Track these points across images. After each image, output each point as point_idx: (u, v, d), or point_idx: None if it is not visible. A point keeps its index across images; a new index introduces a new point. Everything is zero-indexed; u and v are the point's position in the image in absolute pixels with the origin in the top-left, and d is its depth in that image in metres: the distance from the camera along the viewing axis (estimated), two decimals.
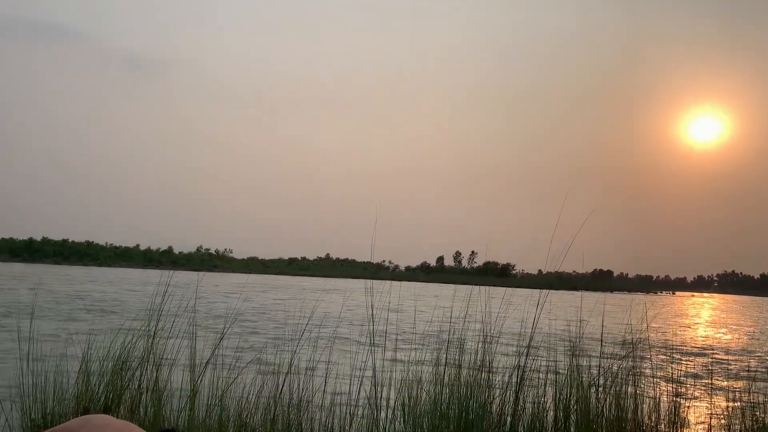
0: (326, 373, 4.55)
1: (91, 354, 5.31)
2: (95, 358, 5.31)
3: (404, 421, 4.22)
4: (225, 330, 5.09)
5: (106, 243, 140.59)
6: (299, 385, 4.38)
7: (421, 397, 4.26)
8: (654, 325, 5.82)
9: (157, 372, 5.14)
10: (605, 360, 5.15)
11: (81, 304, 23.17)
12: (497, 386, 4.64)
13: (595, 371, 4.94)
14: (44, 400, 5.08)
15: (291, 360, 4.41)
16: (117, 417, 3.12)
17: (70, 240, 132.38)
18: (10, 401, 5.04)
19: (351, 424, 3.94)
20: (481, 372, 4.56)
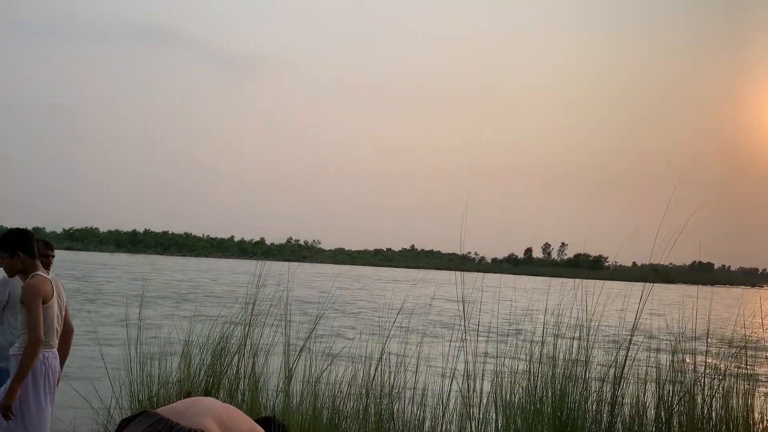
0: (417, 364, 4.55)
1: (192, 341, 5.57)
2: (196, 344, 5.57)
3: (497, 414, 4.16)
4: (317, 319, 5.20)
5: (203, 234, 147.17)
6: (390, 374, 4.41)
7: (515, 390, 4.18)
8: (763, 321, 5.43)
9: (253, 359, 5.32)
10: (711, 358, 4.86)
11: (182, 293, 24.42)
12: (594, 381, 4.48)
13: (700, 369, 4.68)
14: (150, 384, 5.38)
15: (382, 350, 4.45)
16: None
17: (170, 232, 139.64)
18: (119, 384, 5.37)
19: (443, 416, 3.92)
20: (577, 366, 4.42)
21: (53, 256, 5.35)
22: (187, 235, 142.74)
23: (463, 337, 4.09)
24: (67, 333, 4.53)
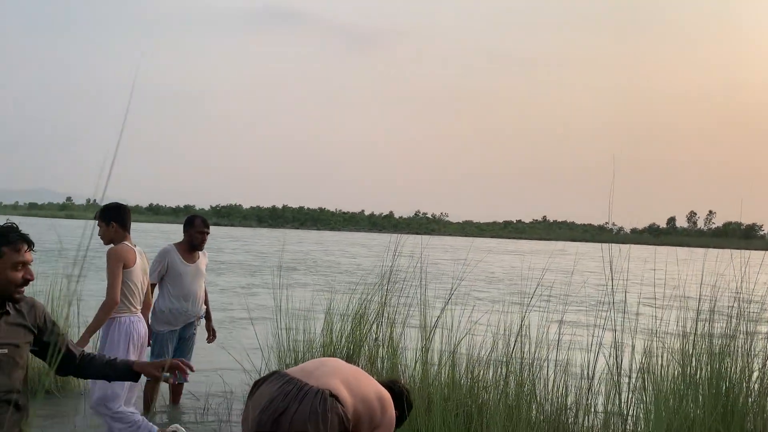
0: (559, 335, 4.41)
1: (332, 309, 5.78)
2: (336, 312, 5.77)
3: (646, 389, 3.94)
4: (452, 289, 5.19)
5: (336, 209, 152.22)
6: (531, 345, 4.31)
7: (666, 365, 3.93)
8: None
9: (391, 328, 5.42)
10: None
11: (321, 264, 25.48)
12: (757, 358, 4.10)
13: None
14: (296, 350, 5.66)
15: (522, 320, 4.35)
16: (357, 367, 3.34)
17: (305, 207, 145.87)
18: (268, 349, 5.70)
19: (589, 389, 3.77)
20: (737, 340, 4.07)
21: (208, 233, 5.78)
22: (321, 210, 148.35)
23: (610, 308, 3.89)
24: (145, 306, 4.85)
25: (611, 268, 3.73)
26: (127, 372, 2.44)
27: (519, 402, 4.05)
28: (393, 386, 3.29)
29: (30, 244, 2.34)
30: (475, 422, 4.07)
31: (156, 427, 4.40)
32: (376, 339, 5.59)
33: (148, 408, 5.51)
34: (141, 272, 4.59)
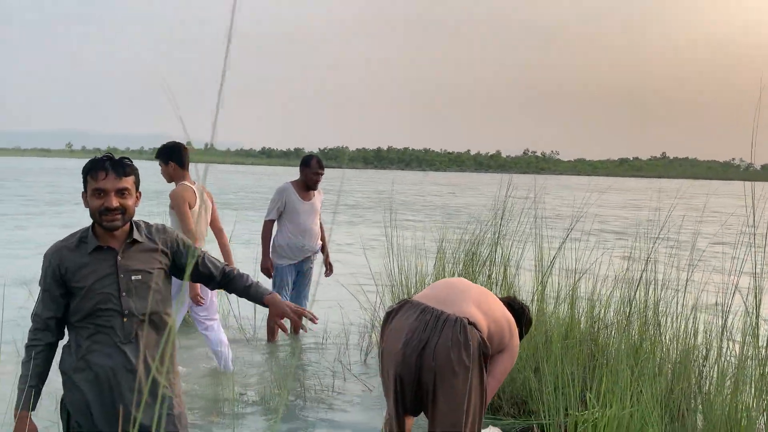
0: (688, 273, 4.16)
1: (444, 247, 5.76)
2: (448, 249, 5.76)
3: None
4: (570, 226, 5.00)
5: (441, 149, 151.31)
6: (656, 285, 4.10)
7: None
8: None
9: (504, 267, 5.35)
10: None
11: (431, 205, 25.59)
12: None
13: None
14: (407, 284, 5.73)
15: (647, 258, 4.13)
16: None
17: (410, 148, 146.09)
18: (382, 285, 5.81)
19: (722, 333, 3.55)
20: None
21: (322, 174, 5.92)
22: (426, 151, 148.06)
23: (749, 247, 3.59)
24: (217, 232, 5.12)
25: (753, 203, 3.41)
26: (259, 301, 2.54)
27: (642, 342, 3.89)
28: (512, 303, 3.27)
29: (109, 171, 2.34)
30: (597, 360, 3.97)
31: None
32: (489, 277, 5.54)
33: (272, 336, 5.84)
34: (202, 211, 4.81)
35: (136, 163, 2.52)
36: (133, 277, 2.40)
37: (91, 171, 2.36)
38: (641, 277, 4.10)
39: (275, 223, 5.85)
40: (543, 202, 5.59)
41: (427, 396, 2.81)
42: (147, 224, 2.53)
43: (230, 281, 2.60)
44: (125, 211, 2.36)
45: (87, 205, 2.39)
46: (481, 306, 2.97)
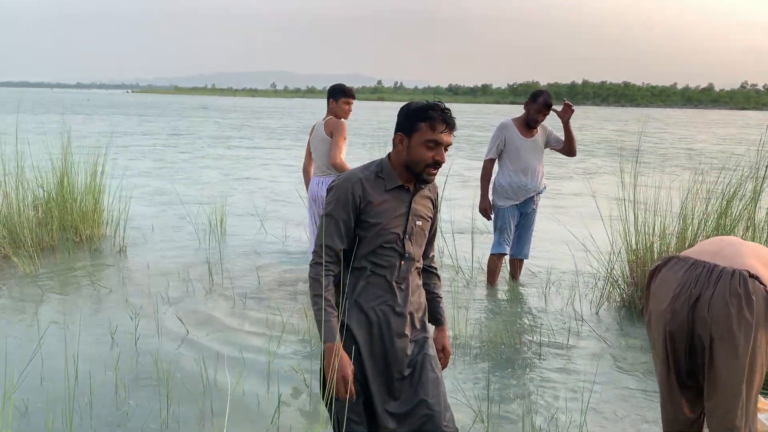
0: None
1: (687, 202, 5.02)
2: (695, 200, 5.03)
3: None
4: None
5: (642, 83, 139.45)
6: None
7: None
8: None
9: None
10: None
11: (654, 147, 23.66)
12: None
13: None
14: (646, 239, 5.11)
15: None
16: None
17: (607, 82, 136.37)
18: (619, 235, 5.28)
19: None
20: None
21: (547, 114, 5.47)
22: (626, 85, 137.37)
23: None
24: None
25: None
26: None
27: None
28: None
29: (448, 125, 2.23)
30: None
31: None
32: (748, 228, 4.77)
33: (492, 280, 5.64)
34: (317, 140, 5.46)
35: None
36: (417, 222, 2.35)
37: (430, 120, 2.22)
38: None
39: (495, 162, 5.55)
40: None
41: (702, 355, 2.40)
42: None
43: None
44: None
45: (405, 150, 2.27)
46: (762, 259, 2.45)
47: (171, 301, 5.00)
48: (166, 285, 5.39)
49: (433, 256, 2.61)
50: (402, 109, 2.31)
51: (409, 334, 2.37)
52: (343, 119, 5.38)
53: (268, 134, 26.49)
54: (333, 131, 5.24)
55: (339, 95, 5.39)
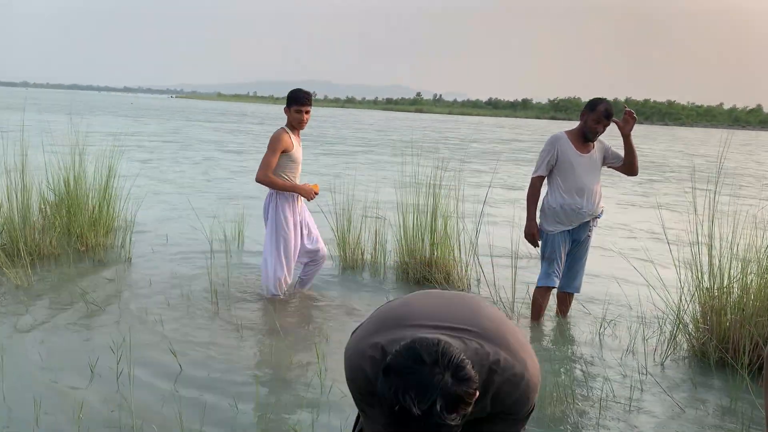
0: None
1: None
2: None
3: None
4: None
5: (687, 102, 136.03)
6: None
7: None
8: None
9: None
10: None
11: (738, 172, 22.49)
12: None
13: None
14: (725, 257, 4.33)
15: None
16: None
17: (651, 100, 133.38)
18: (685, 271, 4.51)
19: None
20: None
21: (607, 125, 4.69)
22: (670, 103, 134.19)
23: None
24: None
25: None
26: None
27: None
28: None
29: None
30: None
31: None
32: None
33: (538, 316, 4.90)
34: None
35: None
36: None
37: None
38: None
39: (544, 180, 4.82)
40: None
41: None
42: None
43: None
44: None
45: None
46: None
47: (166, 328, 4.38)
48: (165, 306, 4.80)
49: None
50: None
51: None
52: (284, 129, 4.93)
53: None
54: (268, 143, 4.88)
55: (291, 103, 4.93)
